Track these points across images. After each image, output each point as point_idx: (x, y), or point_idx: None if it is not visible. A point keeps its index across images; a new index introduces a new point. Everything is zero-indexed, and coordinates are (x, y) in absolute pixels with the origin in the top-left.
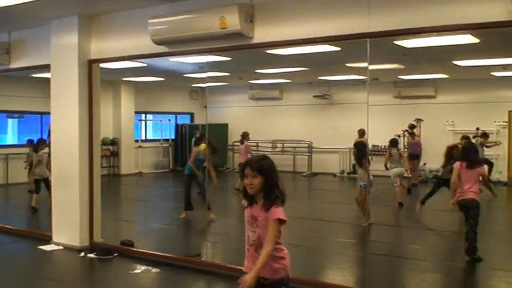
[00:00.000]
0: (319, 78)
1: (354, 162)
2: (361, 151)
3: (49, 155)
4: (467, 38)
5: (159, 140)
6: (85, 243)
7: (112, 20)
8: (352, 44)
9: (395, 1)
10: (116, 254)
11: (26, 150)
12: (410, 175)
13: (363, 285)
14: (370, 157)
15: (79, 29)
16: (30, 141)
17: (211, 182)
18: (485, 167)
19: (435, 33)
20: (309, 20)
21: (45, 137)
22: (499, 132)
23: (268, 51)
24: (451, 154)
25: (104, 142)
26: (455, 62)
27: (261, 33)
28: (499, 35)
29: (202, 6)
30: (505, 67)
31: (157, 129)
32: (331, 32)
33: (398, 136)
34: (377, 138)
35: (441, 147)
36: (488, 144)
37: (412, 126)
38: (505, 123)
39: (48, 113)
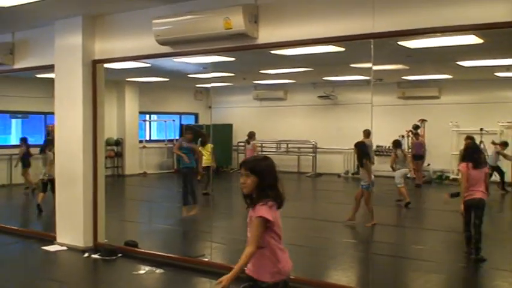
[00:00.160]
0: (324, 78)
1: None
2: (362, 151)
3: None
4: (471, 39)
5: (163, 141)
6: (89, 243)
7: (116, 20)
8: (356, 45)
9: (399, 2)
10: (120, 255)
11: (31, 151)
12: (414, 175)
13: (366, 285)
14: (373, 157)
15: (83, 30)
16: (23, 139)
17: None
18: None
19: (439, 34)
20: (313, 20)
21: (43, 137)
22: (503, 132)
23: (272, 52)
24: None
25: (108, 142)
26: (459, 63)
27: (266, 34)
28: (503, 36)
29: (207, 6)
30: (508, 68)
31: (161, 129)
32: (335, 33)
33: (402, 136)
34: (381, 139)
35: (445, 147)
36: (505, 154)
37: (416, 127)
38: (509, 124)
39: (52, 114)
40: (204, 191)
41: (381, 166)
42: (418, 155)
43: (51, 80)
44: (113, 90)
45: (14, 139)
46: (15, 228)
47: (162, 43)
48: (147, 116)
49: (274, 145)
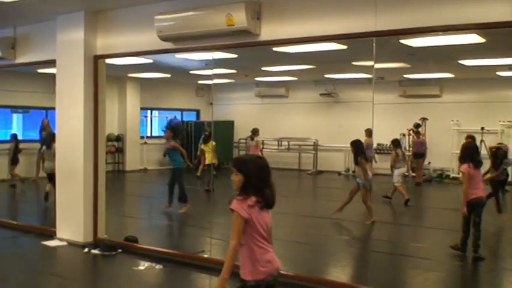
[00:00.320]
0: (326, 76)
1: None
2: (357, 149)
3: (39, 151)
4: (474, 38)
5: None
6: (89, 239)
7: (118, 15)
8: (358, 43)
9: (401, 0)
10: (119, 250)
11: (32, 145)
12: (414, 174)
13: (365, 283)
14: (374, 156)
15: (85, 25)
16: (13, 136)
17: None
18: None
19: (441, 33)
20: (315, 18)
21: (37, 133)
22: (504, 131)
23: (274, 49)
24: (496, 154)
25: (109, 138)
26: (461, 62)
27: (268, 31)
28: (505, 35)
29: (209, 3)
30: (510, 67)
31: (163, 125)
32: (337, 31)
33: (403, 135)
34: (382, 137)
35: (446, 146)
36: None
37: (417, 125)
38: (509, 123)
39: (53, 109)
40: (206, 188)
41: (381, 164)
42: (419, 154)
43: (53, 75)
44: (114, 85)
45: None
46: (15, 223)
47: (164, 39)
48: (149, 112)
49: (275, 142)
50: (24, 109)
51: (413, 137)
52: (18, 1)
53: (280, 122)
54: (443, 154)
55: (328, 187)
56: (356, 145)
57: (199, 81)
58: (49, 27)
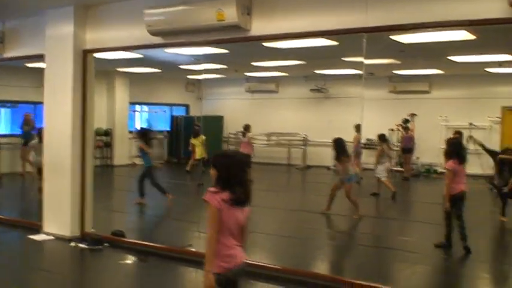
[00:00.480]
0: (316, 72)
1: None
2: (339, 147)
3: (24, 144)
4: (464, 35)
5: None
6: (76, 233)
7: (108, 10)
8: (349, 39)
9: None
10: (106, 244)
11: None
12: (402, 169)
13: (353, 276)
14: (361, 151)
15: (75, 19)
16: None
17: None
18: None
19: (431, 29)
20: (306, 13)
21: (19, 127)
22: (492, 127)
23: (265, 44)
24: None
25: (98, 133)
26: (450, 58)
27: (259, 26)
28: (495, 32)
29: None
30: (500, 63)
31: (152, 120)
32: (328, 26)
33: (392, 130)
34: (371, 133)
35: (434, 141)
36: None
37: (406, 121)
38: (497, 119)
39: (42, 103)
40: (199, 182)
41: (370, 159)
42: (407, 149)
43: (41, 70)
44: (103, 80)
45: (3, 128)
46: (1, 217)
47: (154, 34)
48: (138, 107)
49: (265, 137)
50: (13, 103)
51: (402, 132)
52: None
53: (270, 117)
54: (431, 149)
55: (317, 182)
56: (338, 143)
57: (189, 76)
58: (38, 22)
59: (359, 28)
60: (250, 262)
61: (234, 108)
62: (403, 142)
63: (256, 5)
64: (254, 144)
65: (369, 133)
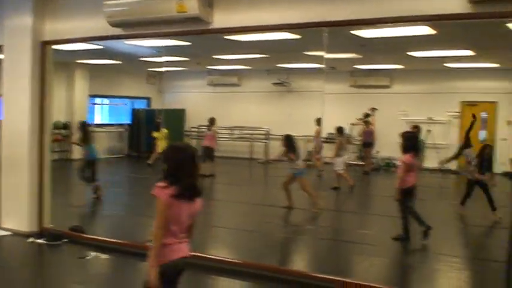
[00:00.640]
0: (278, 65)
1: (308, 149)
2: (288, 143)
3: None
4: (425, 30)
5: (113, 125)
6: (34, 228)
7: (68, 0)
8: (311, 32)
9: None
10: (65, 240)
11: None
12: (363, 163)
13: (313, 269)
14: (322, 146)
15: (34, 10)
16: None
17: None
18: None
19: (392, 24)
20: (268, 7)
21: None
22: (451, 122)
23: (227, 37)
24: (483, 153)
25: (56, 126)
26: (410, 53)
27: (220, 19)
28: (455, 27)
29: None
30: (458, 58)
31: (112, 113)
32: (290, 20)
33: (352, 124)
34: (332, 127)
35: (394, 136)
36: None
37: (366, 115)
38: (456, 114)
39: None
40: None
41: (330, 153)
42: (368, 143)
43: None
44: (62, 72)
45: None
46: None
47: (114, 25)
48: (98, 100)
49: (228, 131)
50: None
51: (363, 126)
52: None
53: (232, 110)
54: (391, 143)
55: (278, 176)
56: (288, 140)
57: (150, 69)
58: None
59: (320, 22)
60: (211, 257)
61: (196, 101)
62: (363, 136)
63: None
64: (218, 139)
65: (330, 127)
